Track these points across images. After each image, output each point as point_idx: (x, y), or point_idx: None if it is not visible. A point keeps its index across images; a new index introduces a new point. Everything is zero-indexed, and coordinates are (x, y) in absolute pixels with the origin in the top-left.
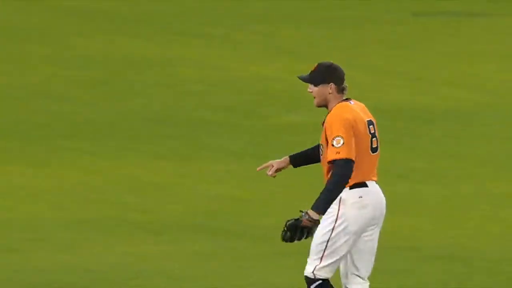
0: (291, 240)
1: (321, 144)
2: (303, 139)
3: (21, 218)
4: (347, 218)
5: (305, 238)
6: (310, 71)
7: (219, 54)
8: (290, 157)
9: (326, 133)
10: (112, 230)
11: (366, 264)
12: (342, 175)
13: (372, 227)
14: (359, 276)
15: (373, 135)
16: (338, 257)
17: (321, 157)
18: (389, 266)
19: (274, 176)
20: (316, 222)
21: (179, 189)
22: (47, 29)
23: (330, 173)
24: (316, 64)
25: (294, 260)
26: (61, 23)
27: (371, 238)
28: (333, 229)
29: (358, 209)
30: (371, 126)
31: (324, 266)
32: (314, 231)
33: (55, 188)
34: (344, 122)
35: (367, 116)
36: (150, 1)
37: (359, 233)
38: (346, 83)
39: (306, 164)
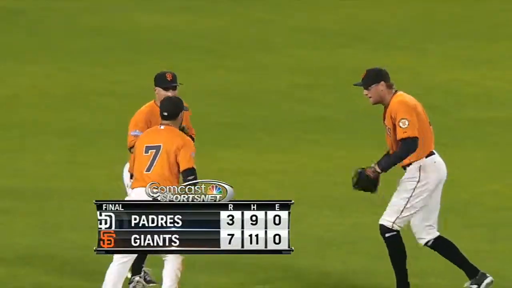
0: (356, 184)
1: (389, 128)
2: None
3: None
4: (427, 180)
5: (371, 190)
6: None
7: None
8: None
9: (392, 118)
10: None
11: (435, 217)
12: (409, 150)
13: (440, 186)
14: (432, 226)
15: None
16: (414, 211)
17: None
18: None
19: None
20: (378, 175)
21: None
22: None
23: (400, 147)
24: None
25: None
26: None
27: (437, 196)
28: (415, 188)
29: (435, 171)
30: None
31: (403, 217)
32: (374, 185)
33: None
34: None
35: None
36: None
37: (433, 191)
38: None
39: None
